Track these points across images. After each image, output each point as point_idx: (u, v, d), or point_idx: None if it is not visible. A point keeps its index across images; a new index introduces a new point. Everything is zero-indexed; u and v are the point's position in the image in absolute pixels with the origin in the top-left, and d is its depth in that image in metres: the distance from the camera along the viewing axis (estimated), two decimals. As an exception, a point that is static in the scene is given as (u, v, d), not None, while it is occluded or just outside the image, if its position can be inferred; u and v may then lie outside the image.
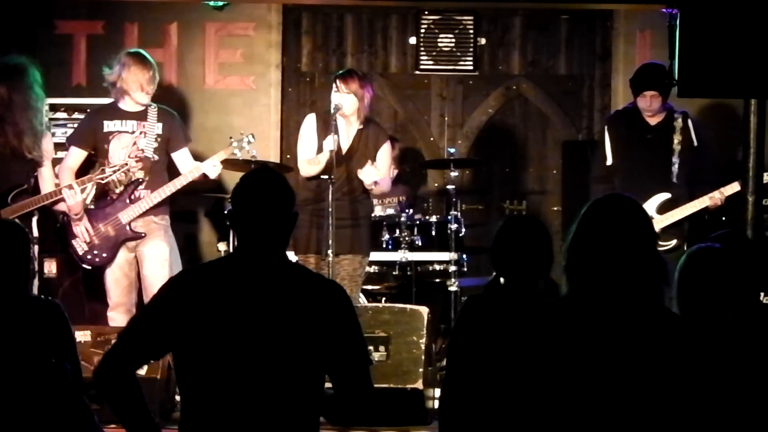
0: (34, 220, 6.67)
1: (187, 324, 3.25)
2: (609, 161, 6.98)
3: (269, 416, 3.24)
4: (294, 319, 3.27)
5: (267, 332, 3.24)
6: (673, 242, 6.71)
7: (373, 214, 7.32)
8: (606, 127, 7.11)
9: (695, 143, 6.90)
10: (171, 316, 3.28)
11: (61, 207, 6.66)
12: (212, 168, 6.68)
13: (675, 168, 6.86)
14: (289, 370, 3.24)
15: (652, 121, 6.93)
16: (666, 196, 6.83)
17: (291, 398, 3.25)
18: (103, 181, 6.57)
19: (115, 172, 6.54)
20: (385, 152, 6.73)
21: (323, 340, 3.27)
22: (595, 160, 7.13)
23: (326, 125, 6.59)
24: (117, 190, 6.70)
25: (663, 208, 6.71)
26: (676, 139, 6.88)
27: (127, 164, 6.56)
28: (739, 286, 3.54)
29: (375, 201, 7.50)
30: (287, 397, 3.25)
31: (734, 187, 6.69)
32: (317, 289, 3.36)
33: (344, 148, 6.63)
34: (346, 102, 6.56)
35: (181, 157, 6.79)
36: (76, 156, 6.76)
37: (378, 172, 6.57)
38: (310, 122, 6.75)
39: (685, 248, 6.88)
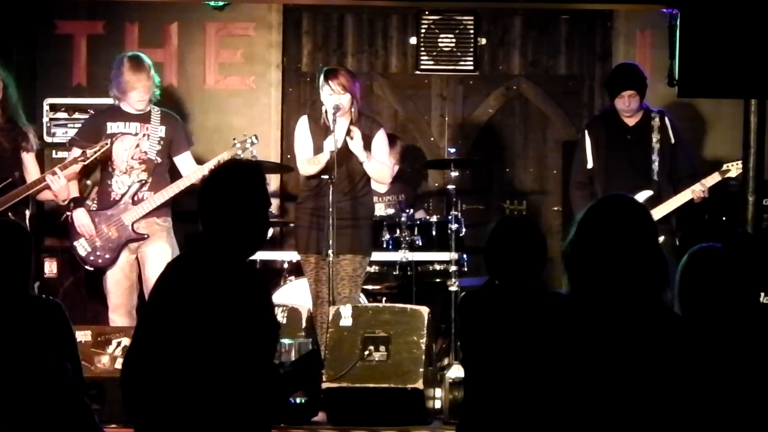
0: (27, 212, 6.69)
1: (157, 312, 3.34)
2: (590, 164, 7.06)
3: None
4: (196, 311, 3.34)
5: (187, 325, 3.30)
6: (662, 238, 6.74)
7: (375, 214, 7.31)
8: (586, 132, 7.19)
9: (672, 140, 6.99)
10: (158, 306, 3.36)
11: (46, 195, 6.68)
12: None
13: (655, 166, 6.95)
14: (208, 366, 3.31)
15: (631, 121, 7.04)
16: (649, 193, 6.89)
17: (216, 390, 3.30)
18: (85, 162, 6.57)
19: (96, 153, 6.55)
20: (380, 140, 6.70)
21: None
22: (576, 165, 7.20)
23: (319, 126, 6.60)
24: (119, 191, 6.70)
25: (647, 206, 6.74)
26: (655, 137, 6.97)
27: (106, 143, 6.57)
28: (741, 285, 3.54)
29: (376, 199, 7.49)
30: (213, 387, 3.30)
31: (715, 178, 6.88)
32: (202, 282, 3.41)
33: (339, 144, 6.60)
34: (345, 101, 6.56)
35: (183, 161, 6.80)
36: (80, 157, 6.77)
37: (359, 138, 6.53)
38: (302, 124, 6.75)
39: (677, 243, 6.93)
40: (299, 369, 3.50)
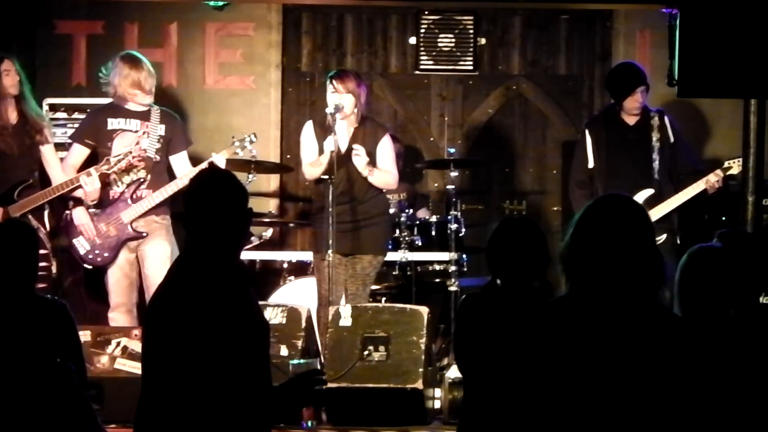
0: (46, 213, 6.68)
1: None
2: (591, 164, 7.07)
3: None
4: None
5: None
6: (663, 236, 6.75)
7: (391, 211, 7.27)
8: (586, 131, 7.19)
9: (672, 139, 7.01)
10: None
11: (76, 194, 6.66)
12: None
13: (656, 164, 6.98)
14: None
15: (631, 120, 7.06)
16: (650, 191, 6.90)
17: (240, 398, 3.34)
18: (108, 171, 6.56)
19: (119, 161, 6.53)
20: (386, 146, 6.71)
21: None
22: (576, 165, 7.20)
23: (324, 129, 6.61)
24: (118, 190, 6.69)
25: (648, 204, 6.75)
26: (655, 136, 6.99)
27: (131, 152, 6.55)
28: (741, 285, 3.55)
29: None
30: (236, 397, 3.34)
31: (717, 175, 6.86)
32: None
33: (343, 149, 6.62)
34: (347, 102, 6.56)
35: (179, 161, 6.79)
36: (79, 153, 6.76)
37: (364, 155, 6.54)
38: (308, 129, 6.77)
39: (677, 242, 6.93)
40: (295, 383, 3.52)
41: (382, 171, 6.62)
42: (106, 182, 6.71)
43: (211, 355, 3.31)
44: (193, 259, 3.46)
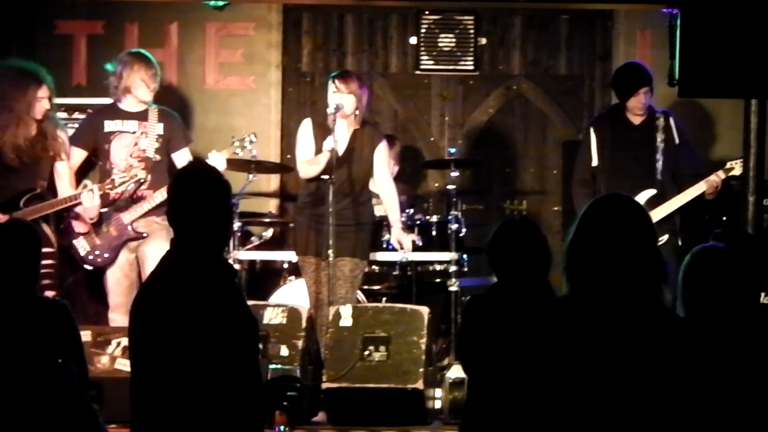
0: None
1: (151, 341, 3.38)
2: (595, 162, 7.06)
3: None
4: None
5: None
6: (665, 237, 6.74)
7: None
8: (591, 129, 7.17)
9: (677, 141, 7.00)
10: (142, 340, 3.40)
11: (76, 210, 6.64)
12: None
13: (659, 165, 6.98)
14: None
15: (636, 120, 7.05)
16: (652, 192, 6.90)
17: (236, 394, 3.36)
18: (112, 191, 6.55)
19: (124, 182, 6.52)
20: (382, 152, 6.73)
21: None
22: (579, 163, 7.20)
23: (322, 129, 6.61)
24: (119, 190, 6.68)
25: (650, 204, 6.75)
26: (659, 137, 6.99)
27: (136, 175, 6.54)
28: (743, 285, 3.55)
29: (374, 201, 7.51)
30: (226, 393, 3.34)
31: (719, 176, 6.86)
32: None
33: (341, 150, 6.62)
34: (347, 102, 6.56)
35: (182, 158, 6.79)
36: (77, 156, 6.75)
37: (407, 239, 6.81)
38: (306, 127, 6.77)
39: (679, 243, 6.93)
40: (268, 386, 3.55)
41: (390, 197, 6.79)
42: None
43: (198, 350, 3.31)
44: (178, 256, 3.47)
